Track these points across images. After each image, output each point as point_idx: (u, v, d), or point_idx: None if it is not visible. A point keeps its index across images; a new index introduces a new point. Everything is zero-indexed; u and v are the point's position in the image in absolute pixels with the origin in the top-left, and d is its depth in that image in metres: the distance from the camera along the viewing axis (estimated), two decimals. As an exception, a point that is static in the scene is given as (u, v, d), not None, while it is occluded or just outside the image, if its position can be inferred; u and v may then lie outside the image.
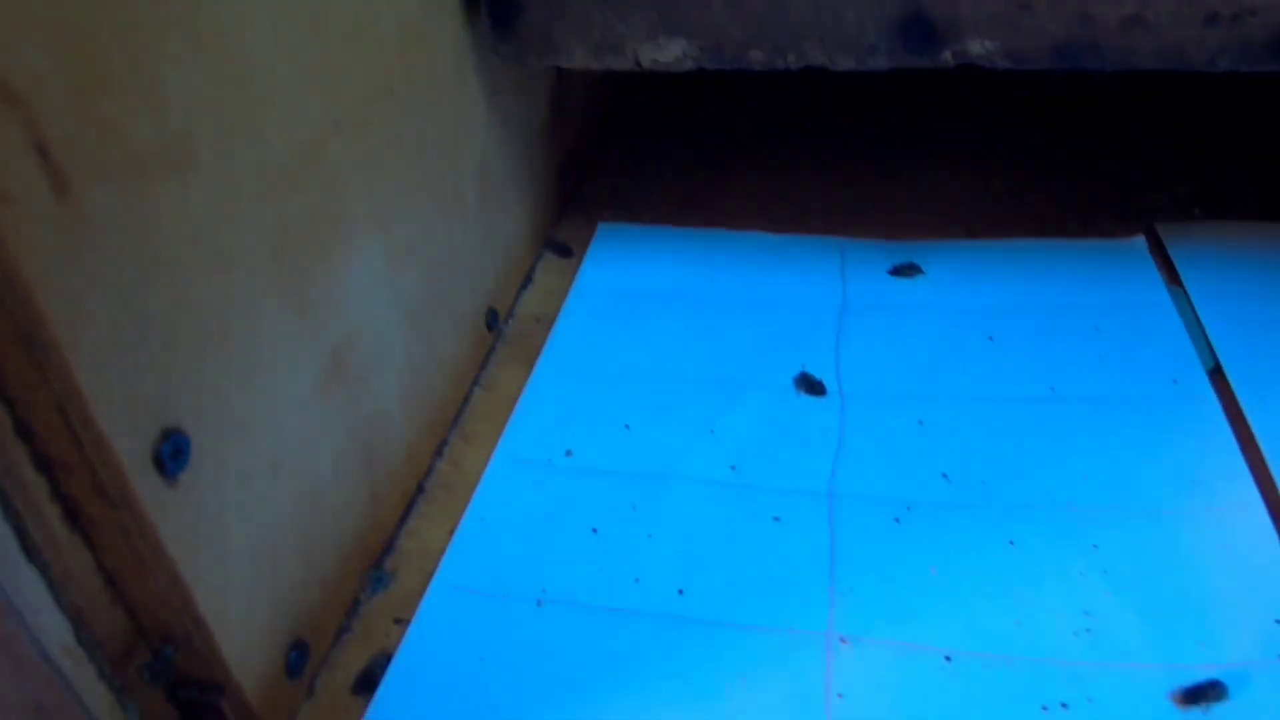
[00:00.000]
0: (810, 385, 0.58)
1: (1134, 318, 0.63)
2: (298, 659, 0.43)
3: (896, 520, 0.50)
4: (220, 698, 0.39)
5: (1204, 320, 0.62)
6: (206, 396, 0.34)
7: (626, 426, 0.56)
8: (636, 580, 0.48)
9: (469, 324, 0.60)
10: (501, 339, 0.65)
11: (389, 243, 0.49)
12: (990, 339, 0.62)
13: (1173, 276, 0.66)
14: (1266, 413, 0.55)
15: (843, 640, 0.45)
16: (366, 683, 0.45)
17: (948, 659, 0.44)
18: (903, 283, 0.67)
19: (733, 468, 0.54)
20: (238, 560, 0.38)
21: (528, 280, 0.70)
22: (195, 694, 0.39)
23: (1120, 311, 0.63)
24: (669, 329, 0.64)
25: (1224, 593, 0.46)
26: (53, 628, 0.29)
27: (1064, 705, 0.42)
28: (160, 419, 0.32)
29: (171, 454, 0.32)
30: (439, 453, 0.56)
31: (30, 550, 0.28)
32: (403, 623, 0.47)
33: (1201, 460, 0.53)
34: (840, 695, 0.43)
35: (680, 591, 0.47)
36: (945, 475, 0.53)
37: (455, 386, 0.58)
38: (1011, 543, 0.49)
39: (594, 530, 0.50)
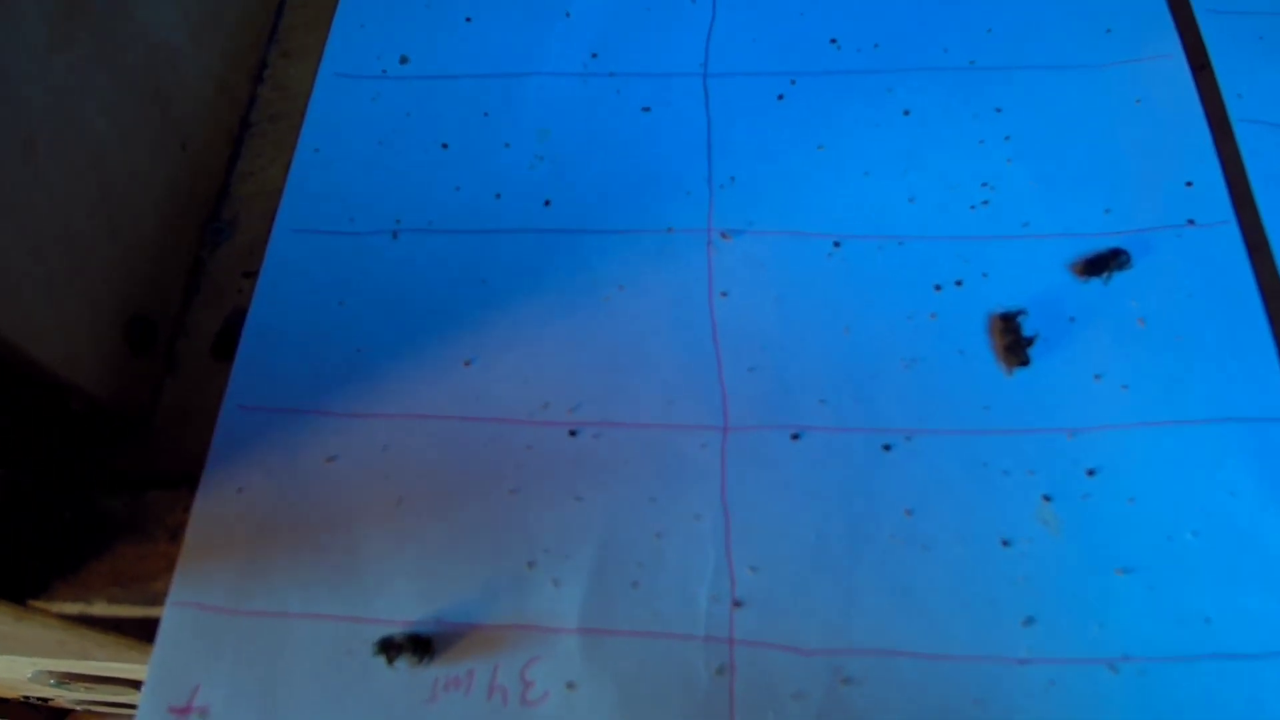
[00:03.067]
0: (679, -56, 0.50)
1: None
2: (143, 336, 0.39)
3: (780, 97, 0.45)
4: (64, 397, 0.36)
5: None
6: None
7: (468, 19, 0.48)
8: (497, 196, 0.43)
9: (263, -92, 0.49)
10: (311, -78, 0.54)
11: None
12: None
13: None
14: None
15: (724, 235, 0.41)
16: (224, 345, 0.41)
17: (836, 244, 0.41)
18: None
19: (594, 55, 0.47)
20: (15, 264, 0.32)
21: None
22: (33, 402, 0.35)
23: None
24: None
25: (1135, 155, 0.43)
26: None
27: (958, 283, 0.40)
28: None
29: None
30: (259, 78, 0.48)
31: None
32: (252, 275, 0.42)
33: (1120, 5, 0.47)
34: (724, 294, 0.40)
35: (547, 203, 0.43)
36: (834, 40, 0.47)
37: (261, -8, 0.49)
38: (907, 112, 0.44)
39: (444, 146, 0.44)
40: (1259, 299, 0.39)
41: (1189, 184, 0.41)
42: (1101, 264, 0.39)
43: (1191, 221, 0.41)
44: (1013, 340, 0.38)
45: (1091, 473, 0.36)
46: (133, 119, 0.39)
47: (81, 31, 0.36)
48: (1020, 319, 0.38)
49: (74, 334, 0.36)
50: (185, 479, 0.38)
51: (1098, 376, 0.38)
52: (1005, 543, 0.35)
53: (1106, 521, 0.35)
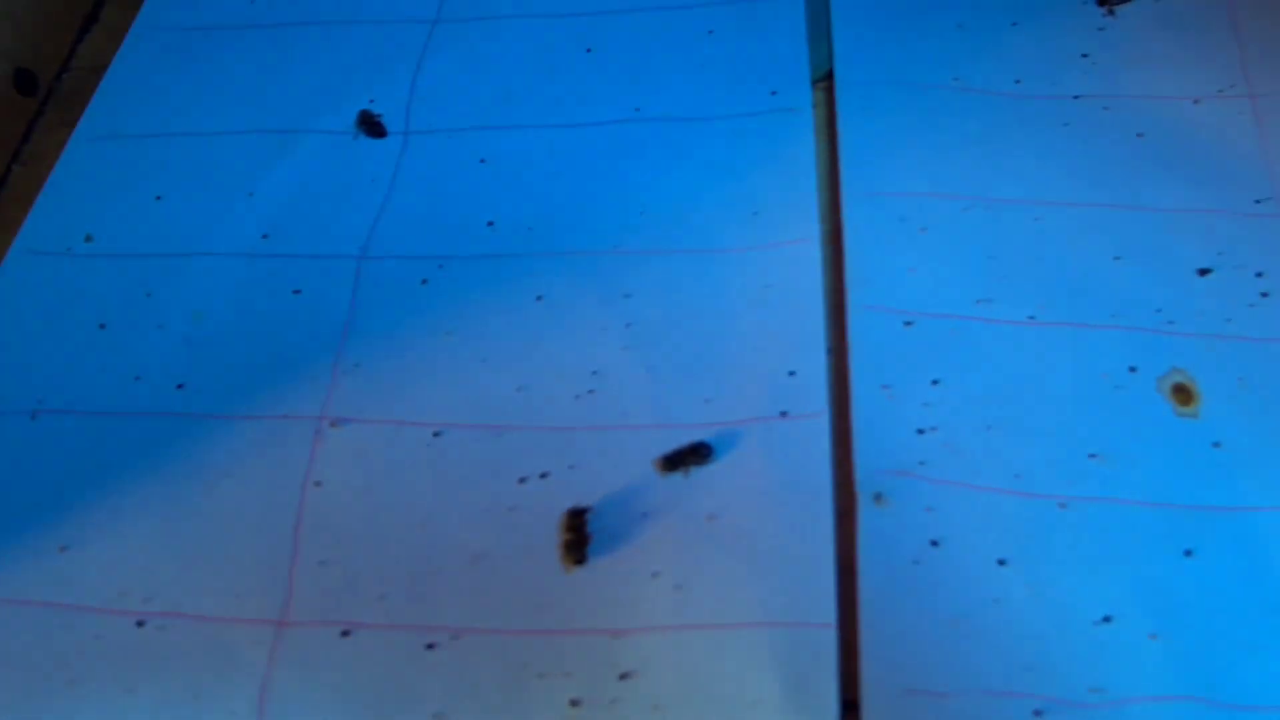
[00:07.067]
0: (371, 126, 0.52)
1: (753, 15, 0.56)
2: None
3: (424, 281, 0.47)
4: None
5: (834, 13, 0.56)
6: None
7: (158, 198, 0.51)
8: (137, 378, 0.45)
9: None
10: (53, 100, 0.57)
11: None
12: (589, 51, 0.55)
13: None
14: (863, 126, 0.50)
15: (332, 424, 0.43)
16: None
17: (436, 434, 0.42)
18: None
19: (265, 236, 0.49)
20: None
21: (92, 21, 0.61)
22: None
23: (740, 6, 0.56)
24: (234, 69, 0.56)
25: (749, 342, 0.43)
26: None
27: (544, 475, 0.41)
28: None
29: None
30: (-38, 244, 0.51)
31: None
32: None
33: (772, 188, 0.48)
34: (317, 483, 0.41)
35: (180, 386, 0.44)
36: (492, 223, 0.48)
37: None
38: (539, 297, 0.46)
39: (101, 326, 0.46)
40: (830, 498, 0.39)
41: (792, 373, 0.42)
42: (680, 459, 0.40)
43: (784, 413, 0.41)
44: (573, 538, 0.39)
45: (625, 676, 0.36)
46: None
47: None
48: (588, 516, 0.39)
49: None
50: None
51: (655, 575, 0.38)
52: (524, 750, 0.35)
53: (628, 730, 0.35)
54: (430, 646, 0.37)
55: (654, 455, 0.41)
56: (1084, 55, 0.54)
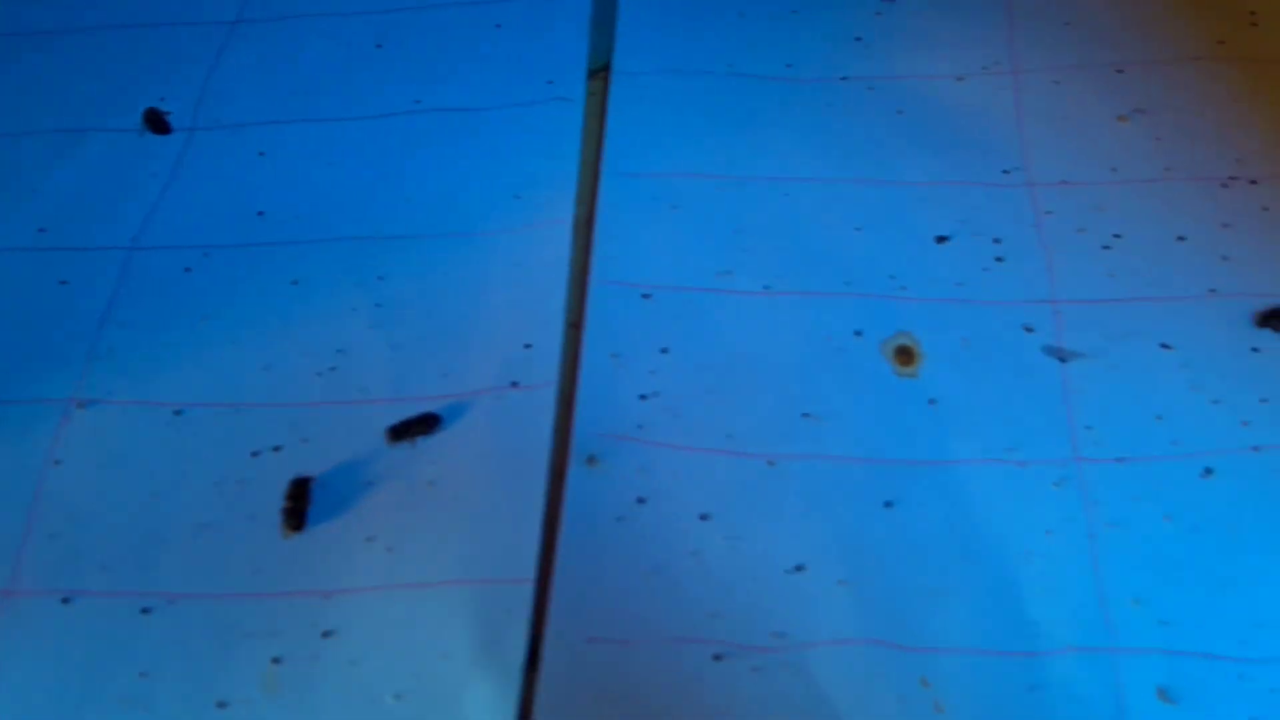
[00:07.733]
0: (156, 123, 0.54)
1: (539, 9, 0.58)
2: None
3: (188, 270, 0.48)
4: None
5: (620, 4, 0.57)
6: None
7: (-56, 197, 0.52)
8: (-104, 371, 0.46)
9: None
10: None
11: None
12: (379, 46, 0.57)
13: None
14: (631, 113, 0.52)
15: (79, 405, 0.44)
16: None
17: (177, 413, 0.43)
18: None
19: (41, 230, 0.50)
20: None
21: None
22: None
23: (527, 1, 0.58)
24: (32, 74, 0.58)
25: (495, 319, 0.45)
26: None
27: (276, 449, 0.42)
28: None
29: None
30: None
31: None
32: None
33: (536, 173, 0.50)
34: (58, 462, 0.42)
35: (-66, 378, 0.45)
36: (262, 213, 0.50)
37: None
38: (295, 281, 0.47)
39: None
40: (546, 462, 0.41)
41: (527, 346, 0.44)
42: (408, 429, 0.41)
43: (515, 384, 0.43)
44: (293, 506, 0.40)
45: (327, 634, 0.37)
46: None
47: None
48: (311, 485, 0.40)
49: None
50: None
51: (370, 539, 0.39)
52: (221, 704, 0.36)
53: (325, 684, 0.36)
54: (145, 611, 0.38)
55: (381, 427, 0.42)
56: (858, 39, 0.56)
